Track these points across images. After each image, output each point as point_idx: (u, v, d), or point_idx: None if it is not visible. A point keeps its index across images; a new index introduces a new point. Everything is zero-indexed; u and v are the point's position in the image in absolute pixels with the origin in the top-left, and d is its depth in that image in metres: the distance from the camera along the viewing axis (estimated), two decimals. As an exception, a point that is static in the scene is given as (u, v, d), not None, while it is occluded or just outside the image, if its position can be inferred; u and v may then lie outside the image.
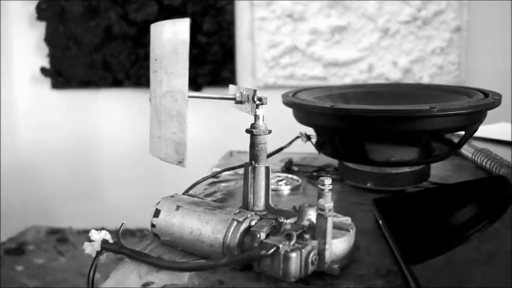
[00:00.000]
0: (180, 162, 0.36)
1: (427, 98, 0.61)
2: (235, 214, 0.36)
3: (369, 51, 2.08)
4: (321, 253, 0.33)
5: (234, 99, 0.41)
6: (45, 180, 2.44)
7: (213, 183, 0.61)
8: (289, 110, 0.59)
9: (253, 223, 0.35)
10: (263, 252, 0.32)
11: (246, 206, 0.41)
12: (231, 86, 0.43)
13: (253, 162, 0.40)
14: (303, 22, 2.11)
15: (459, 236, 0.40)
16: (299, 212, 0.36)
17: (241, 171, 0.63)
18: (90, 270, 0.36)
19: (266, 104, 0.39)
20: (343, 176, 0.59)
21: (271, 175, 0.41)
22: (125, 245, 0.36)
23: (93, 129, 2.38)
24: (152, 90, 0.38)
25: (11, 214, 2.31)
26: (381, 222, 0.42)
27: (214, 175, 0.62)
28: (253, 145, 0.40)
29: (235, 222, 0.35)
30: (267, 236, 0.34)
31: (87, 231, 0.37)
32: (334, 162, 0.67)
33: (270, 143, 0.42)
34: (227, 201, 0.54)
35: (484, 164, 0.64)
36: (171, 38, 0.36)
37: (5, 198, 2.26)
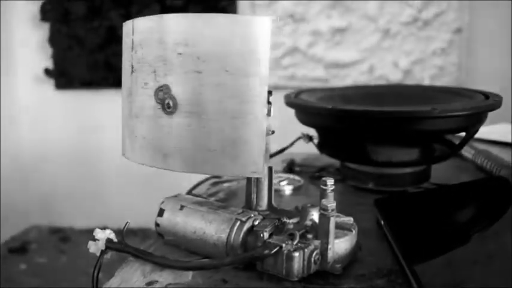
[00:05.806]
0: (254, 172, 0.33)
1: (428, 99, 0.61)
2: (239, 214, 0.36)
3: (369, 52, 2.08)
4: (323, 253, 0.33)
5: None
6: (47, 179, 2.45)
7: (216, 183, 0.61)
8: (291, 111, 0.59)
9: (256, 223, 0.36)
10: (266, 251, 0.32)
11: (249, 205, 0.41)
12: None
13: (256, 162, 0.40)
14: (304, 23, 2.11)
15: (460, 236, 0.40)
16: (301, 212, 0.36)
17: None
18: (94, 269, 0.35)
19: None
20: (345, 176, 0.60)
21: (274, 175, 0.41)
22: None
23: (95, 128, 2.38)
24: (201, 99, 0.33)
25: (13, 213, 2.31)
26: (382, 222, 0.43)
27: (217, 175, 0.62)
28: (256, 146, 0.40)
29: (239, 222, 0.35)
30: (270, 235, 0.35)
31: (89, 231, 0.37)
32: (336, 162, 0.67)
33: (272, 144, 0.43)
34: (230, 201, 0.54)
35: (484, 165, 0.64)
36: (240, 34, 0.33)
37: (7, 197, 2.26)
